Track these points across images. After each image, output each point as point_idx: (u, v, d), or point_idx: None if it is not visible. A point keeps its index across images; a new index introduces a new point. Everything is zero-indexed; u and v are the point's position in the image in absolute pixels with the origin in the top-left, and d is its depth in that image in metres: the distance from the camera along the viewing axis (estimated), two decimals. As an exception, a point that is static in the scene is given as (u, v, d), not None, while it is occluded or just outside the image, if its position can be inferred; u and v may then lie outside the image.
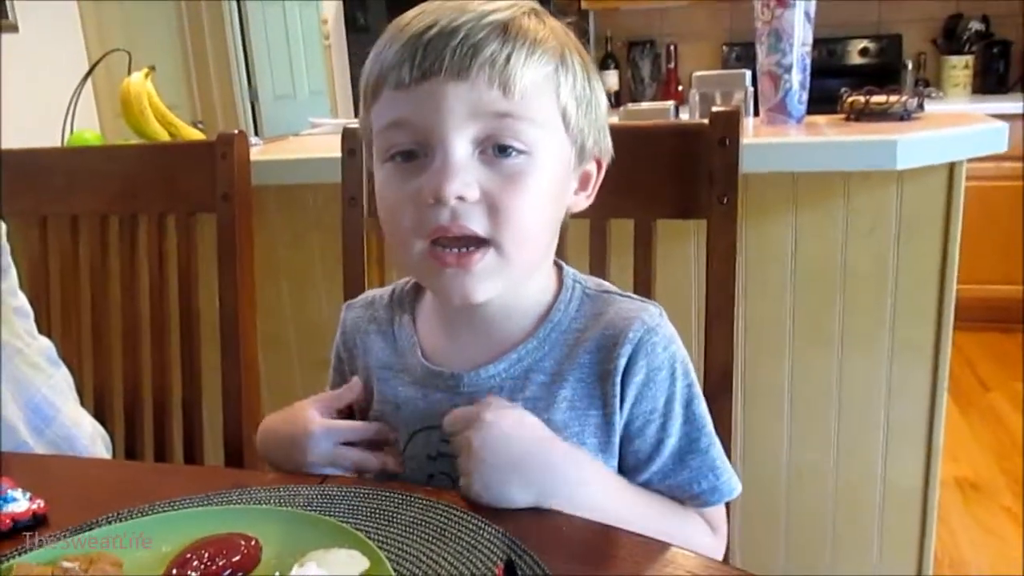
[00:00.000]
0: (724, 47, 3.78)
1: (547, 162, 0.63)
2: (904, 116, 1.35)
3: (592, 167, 0.71)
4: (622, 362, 0.67)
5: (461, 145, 0.61)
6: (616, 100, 3.89)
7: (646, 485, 0.70)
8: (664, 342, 0.68)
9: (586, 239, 0.91)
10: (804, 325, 1.44)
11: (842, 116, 1.43)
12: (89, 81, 1.80)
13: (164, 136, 1.63)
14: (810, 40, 1.38)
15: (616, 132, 0.73)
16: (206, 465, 1.16)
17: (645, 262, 0.89)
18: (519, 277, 0.67)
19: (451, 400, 0.69)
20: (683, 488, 0.70)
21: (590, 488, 0.65)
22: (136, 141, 1.64)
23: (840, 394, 1.46)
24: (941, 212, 1.35)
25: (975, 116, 1.39)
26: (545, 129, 0.63)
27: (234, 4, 4.19)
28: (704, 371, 0.87)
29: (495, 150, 0.62)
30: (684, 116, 1.84)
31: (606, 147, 0.71)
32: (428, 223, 0.62)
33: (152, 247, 1.15)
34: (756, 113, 1.50)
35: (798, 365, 1.46)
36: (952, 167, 1.33)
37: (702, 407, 0.71)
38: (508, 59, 0.60)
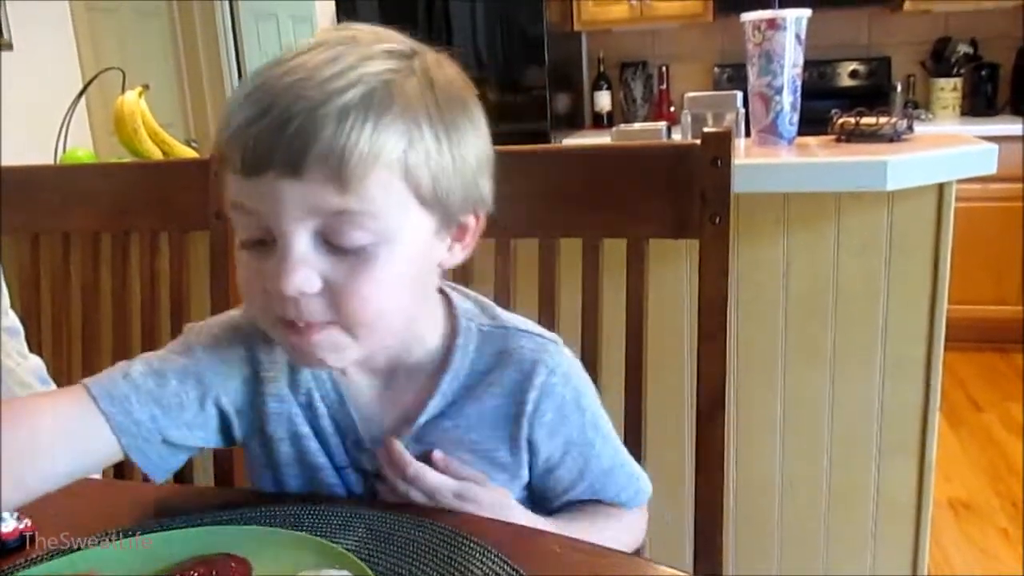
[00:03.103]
0: (716, 68, 3.81)
1: (397, 244, 0.60)
2: (894, 137, 1.37)
3: (469, 220, 0.66)
4: (529, 407, 0.69)
5: (300, 239, 0.58)
6: (608, 120, 3.91)
7: (577, 501, 0.75)
8: (563, 380, 0.70)
9: (578, 258, 0.92)
10: (796, 343, 1.44)
11: (832, 137, 1.44)
12: (83, 99, 1.81)
13: (157, 154, 1.63)
14: (801, 62, 1.39)
15: (609, 152, 0.74)
16: (195, 484, 1.15)
17: (637, 281, 0.89)
18: (374, 348, 0.65)
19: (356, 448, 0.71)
20: (610, 498, 0.76)
21: None
22: (129, 159, 1.64)
23: (832, 411, 1.46)
24: (931, 232, 1.36)
25: (965, 138, 1.40)
26: (392, 215, 0.59)
27: (228, 23, 4.21)
28: (697, 390, 0.87)
29: (335, 244, 0.59)
30: (676, 136, 1.85)
31: (483, 200, 0.66)
32: (274, 310, 0.61)
33: (144, 265, 1.15)
34: (748, 134, 1.51)
35: (790, 382, 1.46)
36: (942, 188, 1.34)
37: (608, 425, 0.75)
38: (343, 156, 0.55)
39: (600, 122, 3.92)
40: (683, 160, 0.85)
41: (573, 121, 3.86)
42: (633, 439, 0.89)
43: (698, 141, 0.84)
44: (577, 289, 0.91)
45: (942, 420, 2.80)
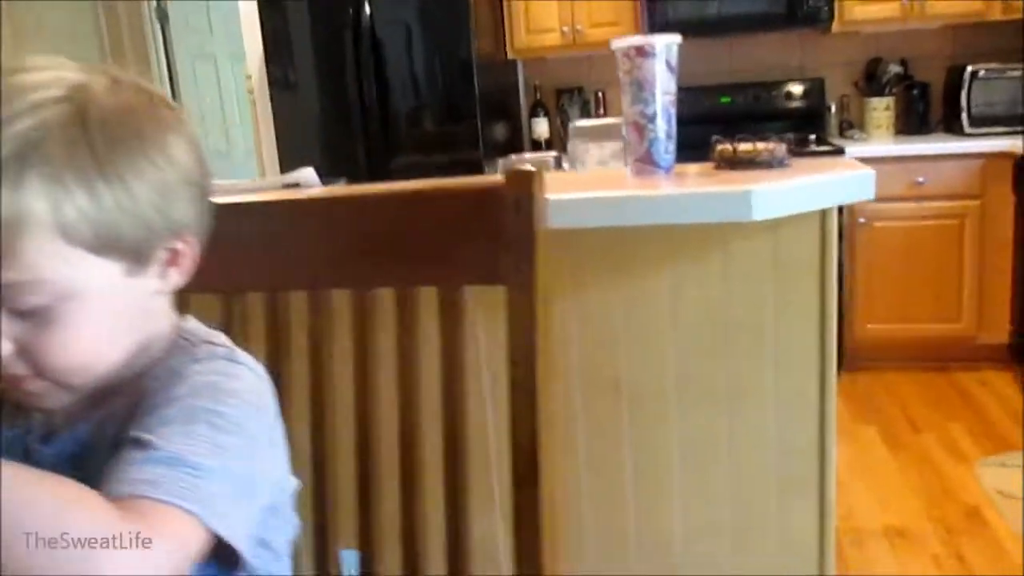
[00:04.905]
0: (652, 93, 3.79)
1: (80, 296, 0.59)
2: (773, 164, 1.32)
3: (175, 245, 0.64)
4: (155, 383, 0.63)
5: None
6: (548, 147, 3.88)
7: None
8: (205, 371, 0.64)
9: (392, 309, 0.85)
10: (688, 382, 1.39)
11: (712, 164, 1.39)
12: None
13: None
14: (674, 89, 1.35)
15: (414, 196, 0.68)
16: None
17: (453, 331, 0.83)
18: (87, 386, 0.63)
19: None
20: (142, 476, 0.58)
21: None
22: None
23: (730, 449, 1.41)
24: (816, 259, 1.32)
25: (846, 163, 1.37)
26: (61, 274, 0.57)
27: (165, 69, 4.16)
28: (512, 453, 0.81)
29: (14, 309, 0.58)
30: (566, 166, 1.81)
31: (184, 225, 0.63)
32: None
33: None
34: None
35: (685, 423, 1.41)
36: (824, 214, 1.30)
37: (214, 433, 0.60)
38: None
39: (539, 148, 3.88)
40: (488, 202, 0.80)
41: (512, 148, 3.82)
42: (451, 499, 0.83)
43: (503, 180, 0.79)
44: (391, 341, 0.85)
45: (881, 443, 2.76)
